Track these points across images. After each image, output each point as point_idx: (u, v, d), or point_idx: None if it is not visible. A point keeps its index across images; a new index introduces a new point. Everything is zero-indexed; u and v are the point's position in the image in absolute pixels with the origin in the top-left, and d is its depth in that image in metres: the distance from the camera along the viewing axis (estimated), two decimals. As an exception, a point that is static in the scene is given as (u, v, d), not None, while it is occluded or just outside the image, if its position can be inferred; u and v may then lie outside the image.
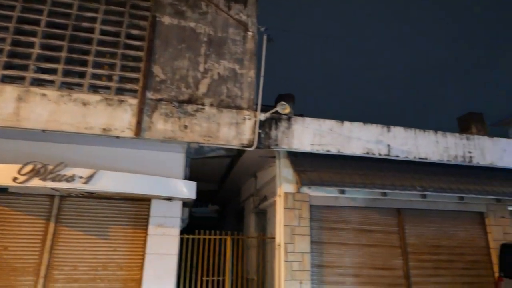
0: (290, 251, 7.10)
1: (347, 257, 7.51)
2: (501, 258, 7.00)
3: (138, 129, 6.21)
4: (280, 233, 7.26)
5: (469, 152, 7.68)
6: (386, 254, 7.71)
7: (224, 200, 14.45)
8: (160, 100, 6.56)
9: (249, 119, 6.63)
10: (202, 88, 6.87)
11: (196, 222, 13.93)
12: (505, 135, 9.28)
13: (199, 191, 7.01)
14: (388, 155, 7.18)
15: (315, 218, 7.62)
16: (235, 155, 8.28)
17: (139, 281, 6.62)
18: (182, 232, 7.22)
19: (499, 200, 8.39)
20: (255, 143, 6.50)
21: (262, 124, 6.70)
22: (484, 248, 8.13)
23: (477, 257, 7.94)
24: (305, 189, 7.51)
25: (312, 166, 7.33)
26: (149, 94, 6.57)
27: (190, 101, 6.71)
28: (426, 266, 7.83)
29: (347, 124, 7.14)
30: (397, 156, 7.24)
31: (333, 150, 6.93)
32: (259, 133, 6.62)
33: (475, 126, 8.66)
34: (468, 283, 7.86)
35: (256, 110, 6.70)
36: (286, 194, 7.43)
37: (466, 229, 8.33)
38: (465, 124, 8.98)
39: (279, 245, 7.23)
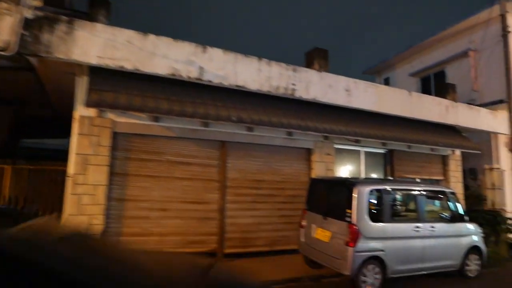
0: (80, 183, 6.13)
1: (155, 191, 6.86)
2: (308, 192, 7.03)
3: None
4: (71, 163, 6.20)
5: (293, 85, 7.30)
6: (201, 188, 7.26)
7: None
8: None
9: (9, 14, 5.07)
10: None
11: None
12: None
13: None
14: (199, 78, 6.36)
15: (121, 148, 6.68)
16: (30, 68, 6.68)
17: None
18: None
19: (327, 137, 8.44)
20: (14, 47, 5.04)
21: (29, 24, 5.20)
22: (305, 183, 8.20)
23: (298, 192, 7.98)
24: (109, 114, 6.43)
25: (114, 86, 6.18)
26: None
27: None
28: (244, 200, 7.65)
29: (152, 37, 6.02)
30: (210, 81, 6.48)
31: (129, 67, 5.84)
32: (24, 35, 5.14)
33: (317, 62, 8.30)
34: (285, 216, 7.95)
35: (19, 3, 5.12)
36: (82, 118, 6.26)
37: (291, 165, 8.30)
38: (310, 59, 8.58)
39: (69, 176, 6.20)
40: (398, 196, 6.36)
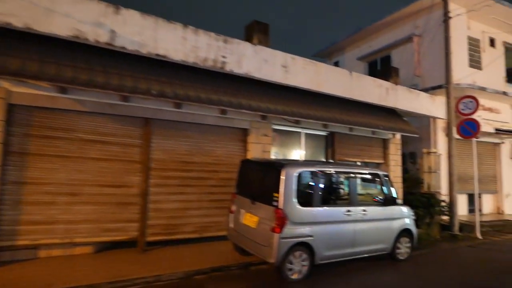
0: (-38, 163, 5.12)
1: (63, 173, 5.98)
2: (238, 175, 6.53)
3: None
4: (-50, 139, 5.16)
5: (223, 57, 6.66)
6: (120, 170, 6.48)
7: None
8: None
9: None
10: None
11: None
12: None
13: None
14: (110, 43, 5.50)
15: (19, 122, 5.70)
16: None
17: None
18: None
19: (265, 117, 7.95)
20: None
21: None
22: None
23: (232, 175, 7.43)
24: (2, 82, 5.41)
25: (3, 48, 5.15)
26: None
27: None
28: (170, 183, 6.98)
29: (49, -9, 5.05)
30: (124, 48, 5.64)
31: (18, 24, 4.85)
32: None
33: (257, 37, 7.70)
34: (216, 200, 7.42)
35: None
36: (-36, 85, 5.20)
37: (226, 146, 7.73)
38: (249, 33, 7.95)
39: None
40: (329, 179, 6.03)
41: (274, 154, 8.55)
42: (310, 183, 5.70)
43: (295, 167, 5.59)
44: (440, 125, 11.73)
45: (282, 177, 5.37)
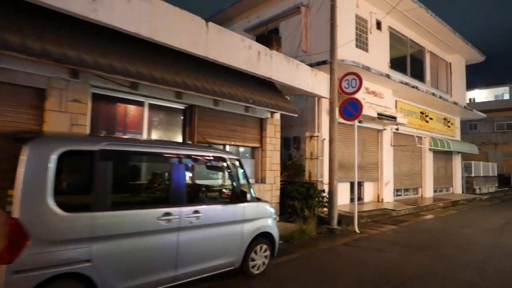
0: None
1: None
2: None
3: None
4: None
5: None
6: None
7: None
8: None
9: None
10: None
11: None
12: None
13: None
14: None
15: None
16: None
17: None
18: None
19: (77, 75, 5.35)
20: None
21: None
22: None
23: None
24: None
25: None
26: None
27: None
28: None
29: None
30: None
31: None
32: None
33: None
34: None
35: None
36: None
37: (6, 113, 4.92)
38: None
39: None
40: (130, 164, 3.82)
41: (101, 131, 6.01)
42: (88, 170, 3.38)
43: (54, 142, 3.21)
44: (325, 107, 10.53)
45: (23, 159, 2.94)
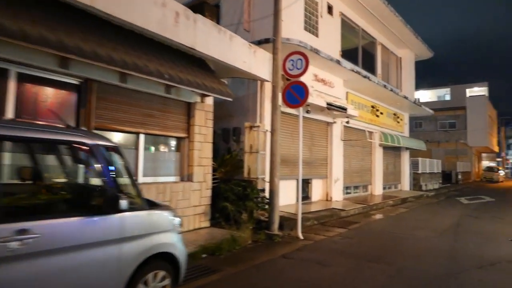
0: None
1: None
2: None
3: None
4: None
5: None
6: None
7: None
8: None
9: None
10: None
11: None
12: None
13: None
14: None
15: None
16: None
17: None
18: None
19: None
20: None
21: None
22: None
23: None
24: None
25: None
26: None
27: None
28: None
29: None
30: None
31: None
32: None
33: None
34: None
35: None
36: None
37: None
38: None
39: None
40: None
41: None
42: None
43: None
44: (269, 94, 9.13)
45: None
